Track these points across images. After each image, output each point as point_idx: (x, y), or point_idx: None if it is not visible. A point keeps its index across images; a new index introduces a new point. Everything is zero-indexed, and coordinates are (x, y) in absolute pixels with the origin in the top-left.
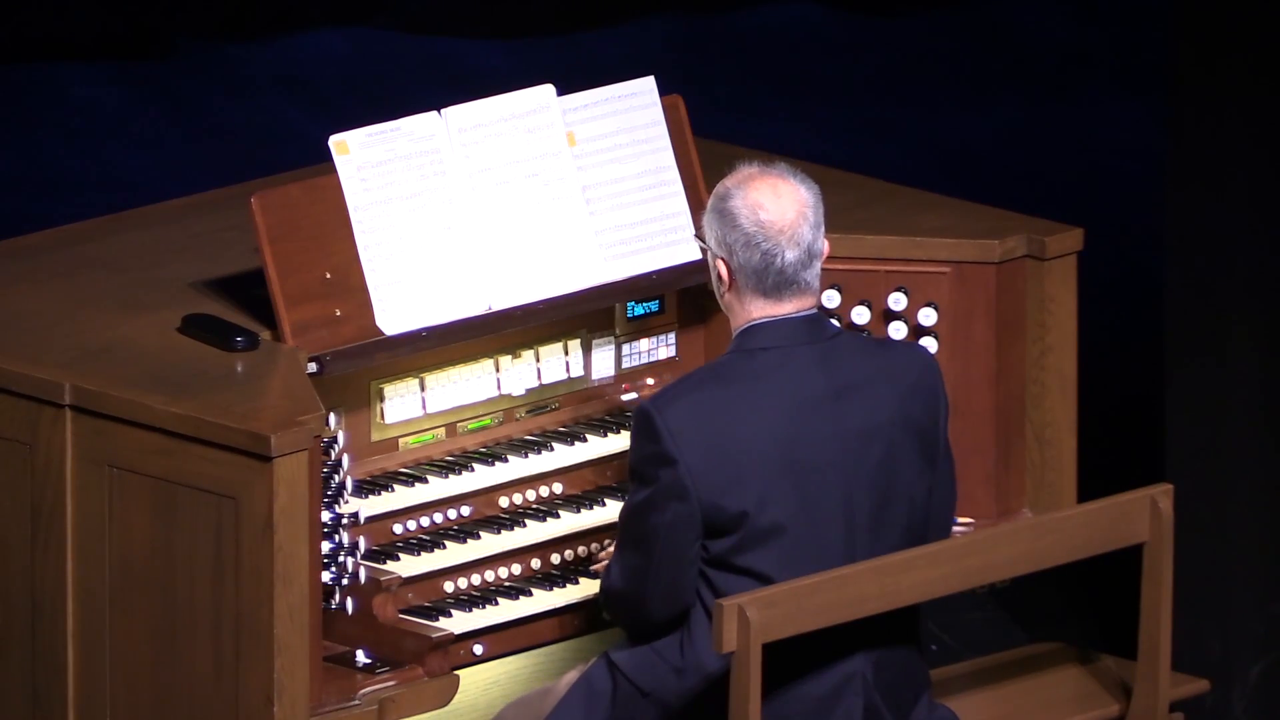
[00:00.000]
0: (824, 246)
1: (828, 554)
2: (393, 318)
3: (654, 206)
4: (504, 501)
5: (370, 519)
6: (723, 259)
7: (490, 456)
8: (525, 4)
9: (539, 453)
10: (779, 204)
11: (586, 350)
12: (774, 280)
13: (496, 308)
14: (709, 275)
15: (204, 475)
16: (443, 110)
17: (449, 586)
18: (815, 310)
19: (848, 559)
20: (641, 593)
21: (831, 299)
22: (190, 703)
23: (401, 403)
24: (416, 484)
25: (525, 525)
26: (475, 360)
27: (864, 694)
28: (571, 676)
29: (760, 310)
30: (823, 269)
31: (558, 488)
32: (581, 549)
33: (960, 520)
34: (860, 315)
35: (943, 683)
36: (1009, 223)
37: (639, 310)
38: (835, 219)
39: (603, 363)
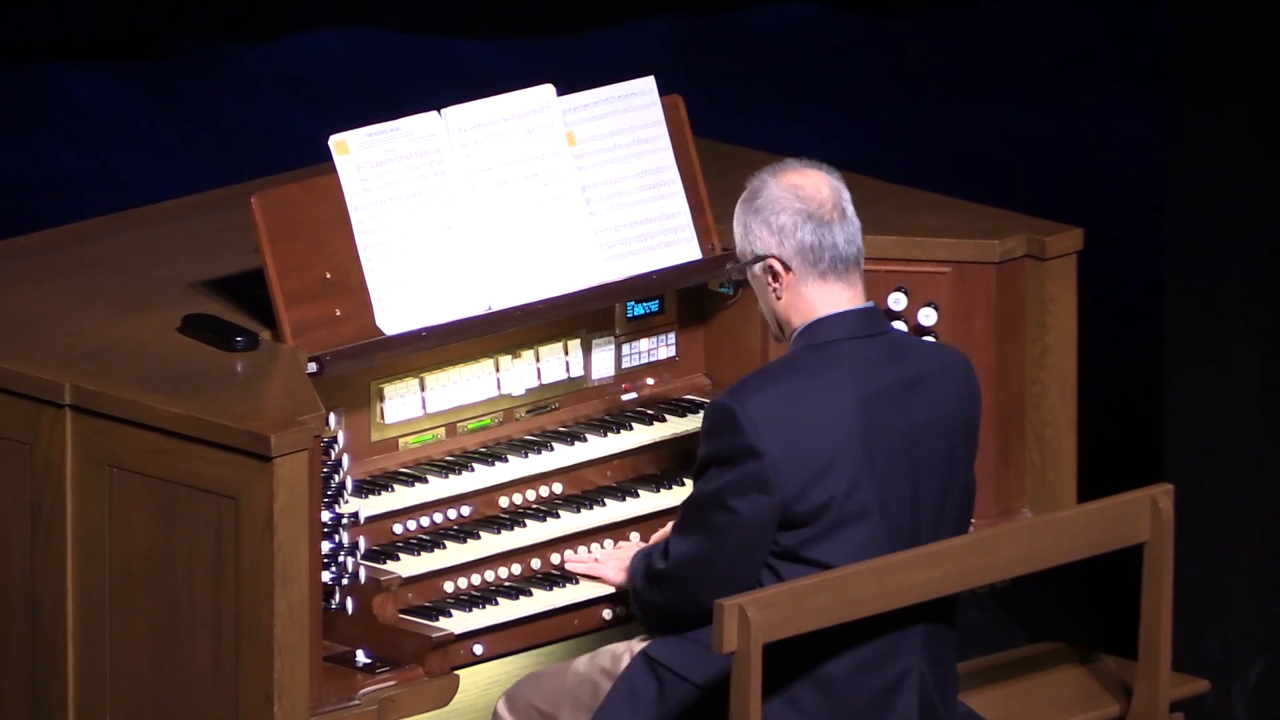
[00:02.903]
0: (861, 243)
1: (896, 546)
2: (393, 318)
3: (654, 206)
4: (504, 501)
5: (370, 519)
6: (773, 256)
7: (490, 456)
8: (525, 4)
9: (539, 453)
10: (812, 182)
11: (586, 350)
12: (830, 257)
13: (496, 308)
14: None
15: (204, 475)
16: (443, 110)
17: (449, 586)
18: (872, 304)
19: None
20: (701, 579)
21: None
22: (190, 703)
23: (401, 403)
24: (416, 484)
25: (525, 525)
26: (475, 360)
27: (919, 689)
28: (585, 660)
29: (818, 297)
30: None
31: (558, 488)
32: (582, 549)
33: None
34: None
35: None
36: (1009, 223)
37: (639, 310)
38: None
39: (603, 363)
